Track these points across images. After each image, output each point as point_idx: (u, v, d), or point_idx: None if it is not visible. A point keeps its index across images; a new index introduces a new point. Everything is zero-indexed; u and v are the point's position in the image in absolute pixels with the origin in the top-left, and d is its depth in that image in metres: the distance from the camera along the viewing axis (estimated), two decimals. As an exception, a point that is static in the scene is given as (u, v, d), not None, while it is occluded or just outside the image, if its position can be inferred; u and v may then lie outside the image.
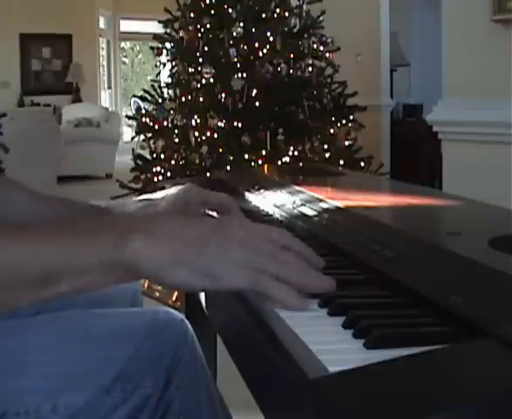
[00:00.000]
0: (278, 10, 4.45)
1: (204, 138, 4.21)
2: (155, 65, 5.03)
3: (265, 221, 1.19)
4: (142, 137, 4.72)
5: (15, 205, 1.10)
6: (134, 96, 9.63)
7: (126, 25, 13.33)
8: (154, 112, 4.68)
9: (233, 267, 0.68)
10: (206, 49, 4.42)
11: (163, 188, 1.47)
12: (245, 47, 4.29)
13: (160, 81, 4.90)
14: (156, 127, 4.54)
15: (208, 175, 3.92)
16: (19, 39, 10.93)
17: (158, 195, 1.15)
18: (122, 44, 15.11)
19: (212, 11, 4.45)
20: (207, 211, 1.13)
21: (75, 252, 0.68)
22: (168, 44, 4.75)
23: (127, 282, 0.74)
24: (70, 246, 0.68)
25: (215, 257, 0.68)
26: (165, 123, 4.50)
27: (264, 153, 4.11)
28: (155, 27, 5.67)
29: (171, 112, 4.47)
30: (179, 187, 1.15)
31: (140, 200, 1.17)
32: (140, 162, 4.65)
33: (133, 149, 4.80)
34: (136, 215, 1.09)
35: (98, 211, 1.14)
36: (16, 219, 1.10)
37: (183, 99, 4.44)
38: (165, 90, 4.73)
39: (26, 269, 0.67)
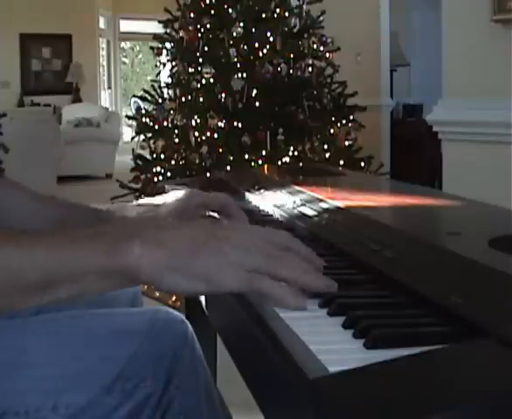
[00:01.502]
0: (278, 10, 4.45)
1: (204, 138, 4.21)
2: (155, 65, 5.02)
3: (265, 221, 1.19)
4: (142, 137, 4.72)
5: (17, 207, 1.10)
6: (134, 96, 9.62)
7: (126, 25, 13.33)
8: (154, 112, 4.67)
9: (228, 270, 0.68)
10: (206, 49, 4.42)
11: (164, 188, 1.47)
12: (245, 47, 4.29)
13: (160, 81, 4.90)
14: (156, 127, 4.54)
15: (208, 175, 3.92)
16: (19, 39, 10.92)
17: (158, 200, 1.15)
18: (122, 44, 15.10)
19: (212, 11, 4.45)
20: (208, 213, 1.13)
21: (73, 259, 0.68)
22: (168, 44, 4.74)
23: (123, 287, 0.74)
24: (69, 253, 0.69)
25: (210, 260, 0.69)
26: (165, 123, 4.49)
27: (264, 153, 4.11)
28: (155, 27, 5.66)
29: (171, 112, 4.47)
30: (179, 192, 1.15)
31: (140, 204, 1.17)
32: (140, 162, 4.65)
33: (133, 149, 4.80)
34: (135, 221, 1.08)
35: (98, 214, 1.14)
36: (18, 221, 1.10)
37: (183, 99, 4.44)
38: (165, 90, 4.73)
39: (26, 274, 0.67)
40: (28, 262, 0.67)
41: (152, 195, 1.23)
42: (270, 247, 0.72)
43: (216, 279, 0.68)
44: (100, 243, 0.69)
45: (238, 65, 4.26)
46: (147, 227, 0.73)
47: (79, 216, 1.13)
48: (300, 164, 3.88)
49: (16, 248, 0.68)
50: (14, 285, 0.68)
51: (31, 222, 1.10)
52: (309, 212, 1.15)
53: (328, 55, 4.64)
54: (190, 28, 4.49)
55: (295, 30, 4.55)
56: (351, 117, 4.57)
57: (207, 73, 4.30)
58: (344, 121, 4.52)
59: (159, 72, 5.00)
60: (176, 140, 4.39)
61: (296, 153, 4.18)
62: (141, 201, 1.20)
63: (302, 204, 1.21)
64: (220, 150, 4.17)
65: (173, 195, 1.15)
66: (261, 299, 0.71)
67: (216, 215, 1.12)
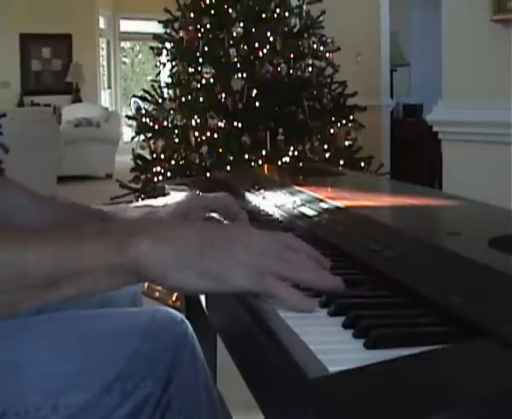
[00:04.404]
0: (278, 10, 4.45)
1: (204, 138, 4.21)
2: (155, 65, 5.02)
3: (265, 221, 1.19)
4: (142, 137, 4.72)
5: (14, 205, 1.10)
6: (134, 96, 9.62)
7: (126, 25, 13.33)
8: (154, 112, 4.67)
9: (236, 268, 0.68)
10: (206, 49, 4.42)
11: (164, 188, 1.47)
12: (245, 47, 4.29)
13: (160, 81, 4.90)
14: (156, 127, 4.54)
15: (208, 175, 3.92)
16: (19, 39, 10.93)
17: (159, 201, 1.16)
18: (122, 44, 15.10)
19: (212, 11, 4.45)
20: (209, 214, 1.14)
21: (79, 256, 0.68)
22: (168, 44, 4.75)
23: (129, 285, 0.73)
24: (74, 250, 0.69)
25: (218, 259, 0.68)
26: (165, 123, 4.50)
27: (264, 153, 4.11)
28: (155, 27, 5.67)
29: (171, 112, 4.47)
30: (180, 195, 1.15)
31: (141, 206, 1.17)
32: (140, 162, 4.65)
33: (133, 149, 4.80)
34: (140, 220, 1.08)
35: (98, 215, 1.14)
36: (18, 221, 1.10)
37: (183, 99, 4.44)
38: (165, 90, 4.73)
39: (31, 272, 0.67)
40: (33, 260, 0.67)
41: (152, 195, 1.24)
42: (277, 247, 0.71)
43: (225, 277, 0.68)
44: (106, 240, 0.69)
45: (238, 65, 4.26)
46: (153, 225, 0.73)
47: (79, 217, 1.13)
48: (300, 164, 3.88)
49: (21, 247, 0.68)
50: (18, 284, 0.67)
51: (30, 222, 1.10)
52: (309, 212, 1.15)
53: (328, 55, 4.64)
54: (190, 28, 4.49)
55: (295, 30, 4.56)
56: (351, 117, 4.57)
57: (207, 73, 4.30)
58: (344, 121, 4.52)
59: (159, 72, 5.01)
60: (176, 140, 4.39)
61: (296, 153, 4.18)
62: (142, 202, 1.20)
63: (302, 204, 1.21)
64: (220, 150, 4.17)
65: (174, 197, 1.15)
66: (269, 300, 0.70)
67: (216, 215, 1.12)
